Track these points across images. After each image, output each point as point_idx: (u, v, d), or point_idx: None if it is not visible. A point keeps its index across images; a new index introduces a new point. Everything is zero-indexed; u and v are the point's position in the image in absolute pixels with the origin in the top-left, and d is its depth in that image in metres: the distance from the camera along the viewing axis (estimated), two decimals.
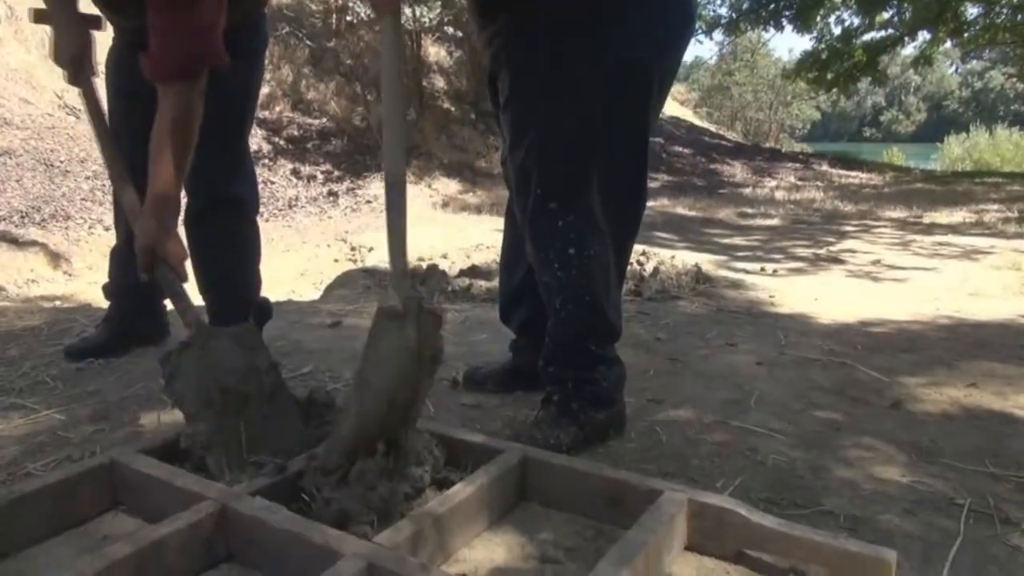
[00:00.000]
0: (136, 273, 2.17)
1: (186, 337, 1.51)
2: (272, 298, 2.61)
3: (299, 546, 1.09)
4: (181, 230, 2.07)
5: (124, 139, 1.91)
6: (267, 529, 1.12)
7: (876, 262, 4.50)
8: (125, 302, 2.27)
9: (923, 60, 15.69)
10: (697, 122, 18.53)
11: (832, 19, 15.86)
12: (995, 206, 7.70)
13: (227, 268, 2.18)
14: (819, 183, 11.08)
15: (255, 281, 2.28)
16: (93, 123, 1.86)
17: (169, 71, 1.62)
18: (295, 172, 7.94)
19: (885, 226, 6.47)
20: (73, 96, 7.05)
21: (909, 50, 17.59)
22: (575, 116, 1.52)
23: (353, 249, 5.63)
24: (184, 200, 2.17)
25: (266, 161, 7.85)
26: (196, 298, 1.97)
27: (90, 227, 5.53)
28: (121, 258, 2.26)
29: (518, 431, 1.60)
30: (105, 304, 2.38)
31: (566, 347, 1.62)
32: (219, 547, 1.17)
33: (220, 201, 2.11)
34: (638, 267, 3.72)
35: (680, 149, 13.41)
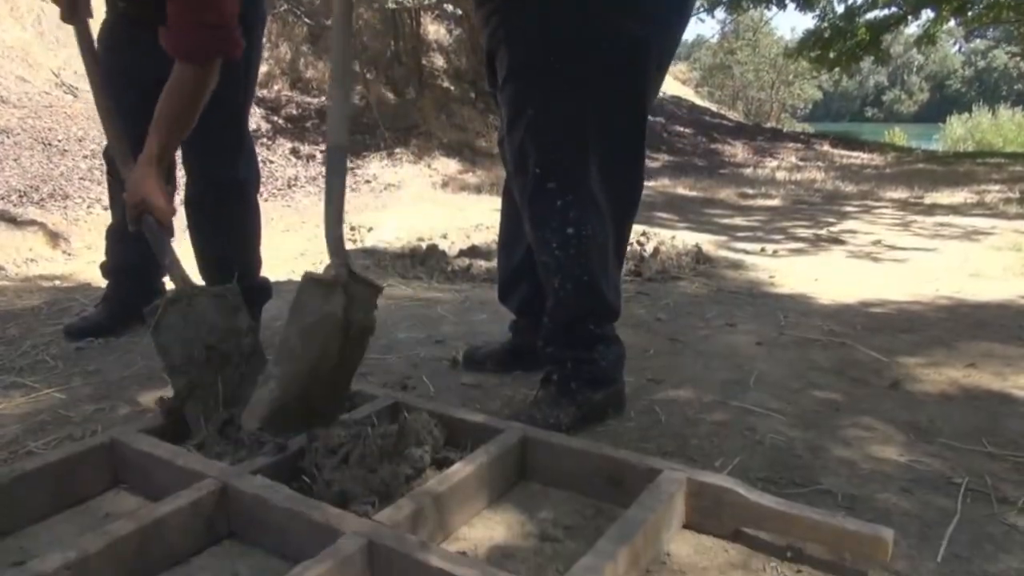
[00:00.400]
0: (134, 252, 2.17)
1: (172, 292, 1.54)
2: (272, 278, 2.61)
3: (300, 524, 1.09)
4: (180, 208, 2.07)
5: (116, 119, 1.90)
6: (268, 507, 1.13)
7: (877, 243, 4.49)
8: (123, 281, 2.27)
9: (926, 39, 15.57)
10: (698, 102, 18.42)
11: None
12: (997, 187, 7.67)
13: (226, 248, 2.18)
14: (820, 163, 11.03)
15: (255, 261, 2.28)
16: (87, 66, 1.84)
17: (185, 53, 1.64)
18: (294, 151, 7.89)
19: (886, 207, 6.45)
20: (70, 74, 6.99)
21: (912, 29, 17.46)
22: (573, 94, 1.51)
23: (352, 229, 5.61)
24: (184, 180, 2.17)
25: (265, 140, 7.80)
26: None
27: (88, 206, 5.50)
28: (117, 237, 2.25)
29: (517, 411, 1.61)
30: (104, 283, 2.37)
31: (565, 327, 1.62)
32: (220, 525, 1.18)
33: (220, 180, 2.10)
34: (638, 247, 3.71)
35: (681, 129, 13.34)
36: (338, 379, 1.33)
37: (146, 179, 1.64)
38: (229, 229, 2.16)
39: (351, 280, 1.31)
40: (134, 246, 2.21)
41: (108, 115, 1.80)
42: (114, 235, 2.26)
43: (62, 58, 7.04)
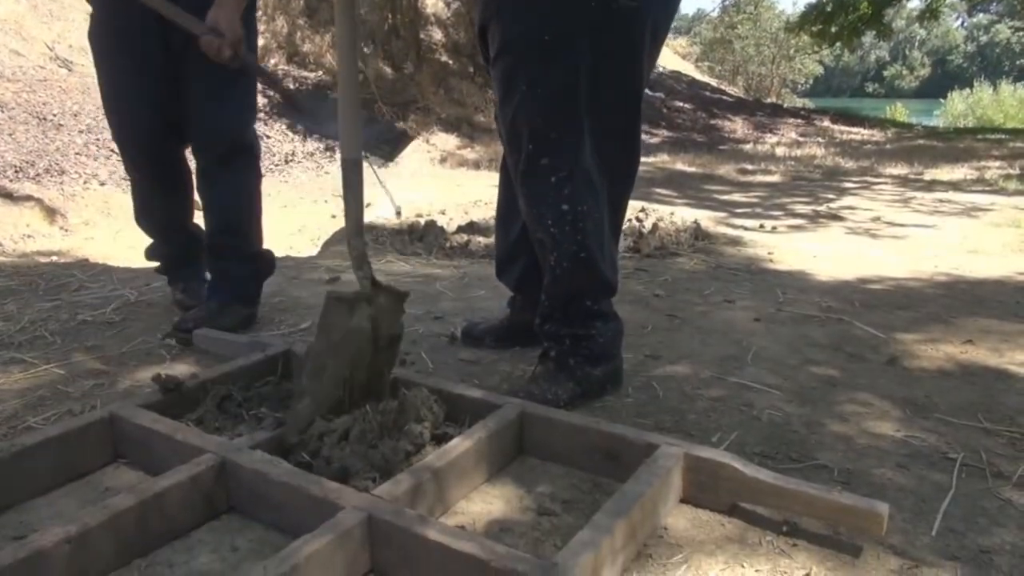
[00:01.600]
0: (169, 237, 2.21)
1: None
2: None
3: (299, 498, 1.10)
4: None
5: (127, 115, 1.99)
6: (267, 482, 1.13)
7: (876, 219, 4.48)
8: (174, 258, 2.30)
9: (929, 13, 15.42)
10: (698, 76, 18.29)
11: None
12: (997, 163, 7.65)
13: (239, 215, 2.16)
14: (820, 139, 10.99)
15: (260, 231, 2.26)
16: None
17: None
18: (291, 127, 7.84)
19: (886, 183, 6.43)
20: (64, 48, 6.92)
21: (915, 2, 17.31)
22: (566, 69, 1.49)
23: None
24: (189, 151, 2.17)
25: (261, 115, 7.74)
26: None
27: (85, 182, 5.47)
28: (154, 223, 2.25)
29: (516, 387, 1.61)
30: (101, 259, 2.37)
31: (562, 303, 1.62)
32: (220, 499, 1.18)
33: (236, 144, 2.10)
34: (637, 224, 3.70)
35: (681, 104, 13.25)
36: (372, 386, 1.36)
37: (236, 19, 1.82)
38: (240, 195, 2.15)
39: (375, 291, 1.34)
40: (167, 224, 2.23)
41: None
42: (148, 223, 2.25)
43: (56, 31, 6.96)
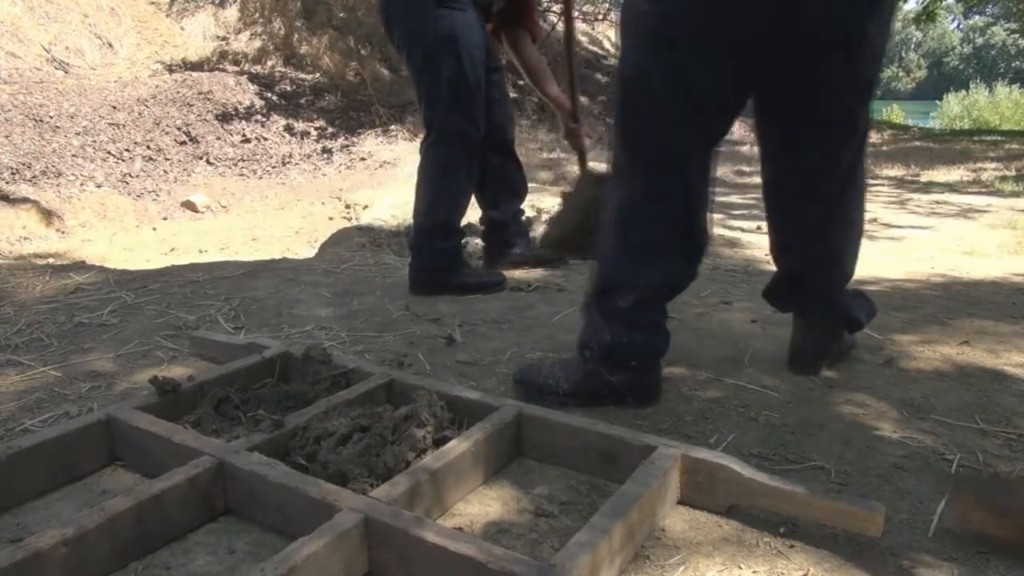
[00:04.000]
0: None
1: None
2: (266, 255, 2.60)
3: (297, 500, 1.10)
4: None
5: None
6: (265, 484, 1.13)
7: (873, 220, 4.48)
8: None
9: (925, 16, 15.45)
10: None
11: None
12: (993, 164, 7.66)
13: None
14: None
15: None
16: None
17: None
18: (288, 128, 7.82)
19: (882, 184, 6.44)
20: (61, 50, 6.91)
21: (911, 4, 17.34)
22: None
23: (348, 207, 5.59)
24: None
25: (259, 117, 7.74)
26: None
27: (82, 184, 5.47)
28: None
29: (528, 364, 1.66)
30: (98, 261, 2.36)
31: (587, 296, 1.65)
32: (217, 501, 1.18)
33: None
34: None
35: None
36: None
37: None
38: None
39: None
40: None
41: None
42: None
43: (52, 33, 6.95)
